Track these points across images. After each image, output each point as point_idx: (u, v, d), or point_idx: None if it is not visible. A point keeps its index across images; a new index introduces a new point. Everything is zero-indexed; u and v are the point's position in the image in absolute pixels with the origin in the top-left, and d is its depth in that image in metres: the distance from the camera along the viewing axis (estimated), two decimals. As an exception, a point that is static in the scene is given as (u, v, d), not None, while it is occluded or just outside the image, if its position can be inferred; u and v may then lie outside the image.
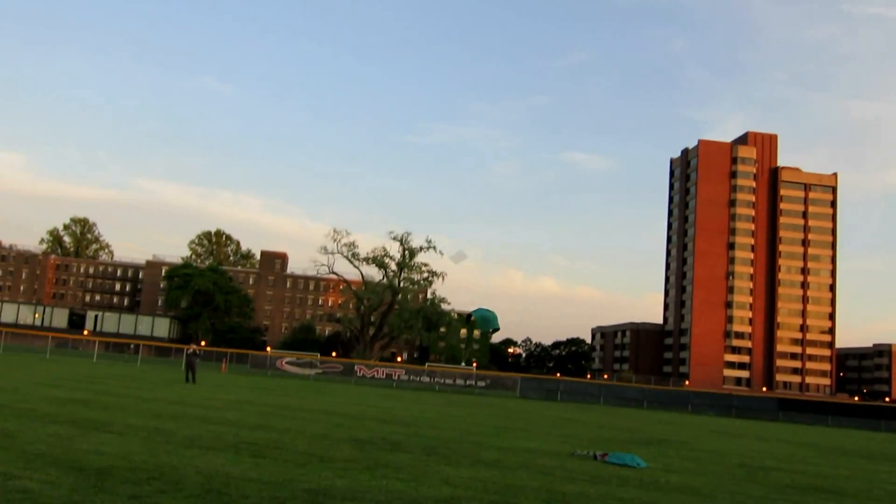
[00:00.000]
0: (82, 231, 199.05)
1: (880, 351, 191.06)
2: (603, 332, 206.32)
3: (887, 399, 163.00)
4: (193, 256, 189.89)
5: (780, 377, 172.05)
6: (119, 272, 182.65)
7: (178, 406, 23.38)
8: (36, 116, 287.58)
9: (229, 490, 10.18)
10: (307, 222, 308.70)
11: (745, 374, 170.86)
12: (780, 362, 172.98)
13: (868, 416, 65.84)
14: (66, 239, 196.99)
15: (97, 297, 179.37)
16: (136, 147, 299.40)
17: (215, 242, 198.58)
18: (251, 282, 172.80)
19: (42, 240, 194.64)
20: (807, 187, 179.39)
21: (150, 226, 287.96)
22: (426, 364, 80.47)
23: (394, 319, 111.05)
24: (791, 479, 17.36)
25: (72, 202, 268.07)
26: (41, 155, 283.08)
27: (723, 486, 14.89)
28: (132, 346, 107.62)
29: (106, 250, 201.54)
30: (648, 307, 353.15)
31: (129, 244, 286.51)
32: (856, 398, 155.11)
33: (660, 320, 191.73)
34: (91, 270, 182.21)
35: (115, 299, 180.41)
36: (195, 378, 41.19)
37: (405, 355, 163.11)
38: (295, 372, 67.63)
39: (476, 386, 68.98)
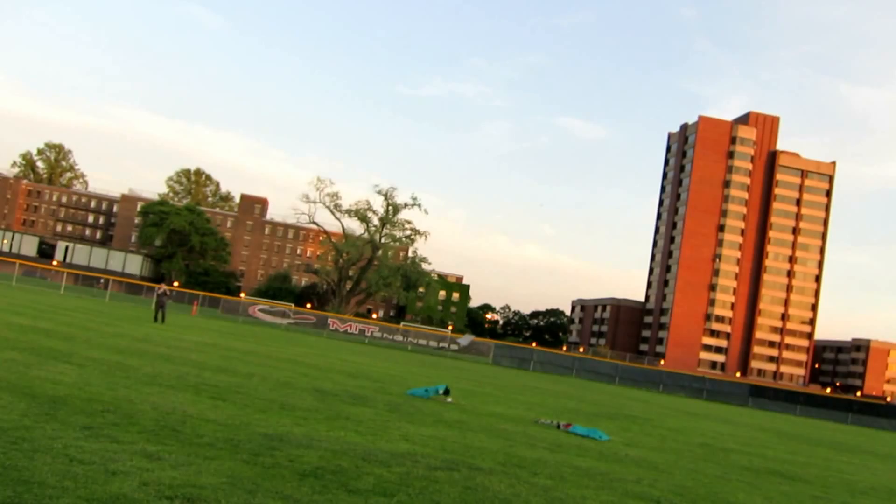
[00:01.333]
0: (57, 157, 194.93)
1: (858, 346, 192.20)
2: (583, 305, 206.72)
3: (859, 393, 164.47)
4: (171, 194, 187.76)
5: (755, 364, 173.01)
6: (93, 204, 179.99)
7: (143, 344, 23.22)
8: (16, 35, 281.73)
9: (184, 428, 10.07)
10: (290, 169, 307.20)
11: (721, 358, 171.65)
12: (757, 349, 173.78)
13: (837, 408, 66.52)
14: (40, 165, 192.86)
15: (69, 228, 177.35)
16: (118, 74, 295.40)
17: (194, 182, 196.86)
18: (229, 225, 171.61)
19: (14, 163, 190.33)
20: (804, 174, 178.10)
21: (127, 158, 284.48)
22: (401, 323, 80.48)
23: (372, 276, 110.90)
24: (749, 462, 17.44)
25: (47, 126, 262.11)
26: (18, 74, 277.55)
27: (681, 464, 14.91)
28: (102, 280, 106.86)
29: (80, 180, 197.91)
30: (632, 283, 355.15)
31: (105, 176, 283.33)
32: (827, 389, 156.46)
33: (642, 297, 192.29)
34: (64, 199, 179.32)
35: (88, 231, 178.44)
36: (164, 318, 40.98)
37: (381, 313, 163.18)
38: (267, 320, 67.51)
39: (449, 349, 69.12)
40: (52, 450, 7.88)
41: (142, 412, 10.83)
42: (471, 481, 9.41)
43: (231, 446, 9.40)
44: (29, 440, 8.16)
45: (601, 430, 17.97)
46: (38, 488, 6.53)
